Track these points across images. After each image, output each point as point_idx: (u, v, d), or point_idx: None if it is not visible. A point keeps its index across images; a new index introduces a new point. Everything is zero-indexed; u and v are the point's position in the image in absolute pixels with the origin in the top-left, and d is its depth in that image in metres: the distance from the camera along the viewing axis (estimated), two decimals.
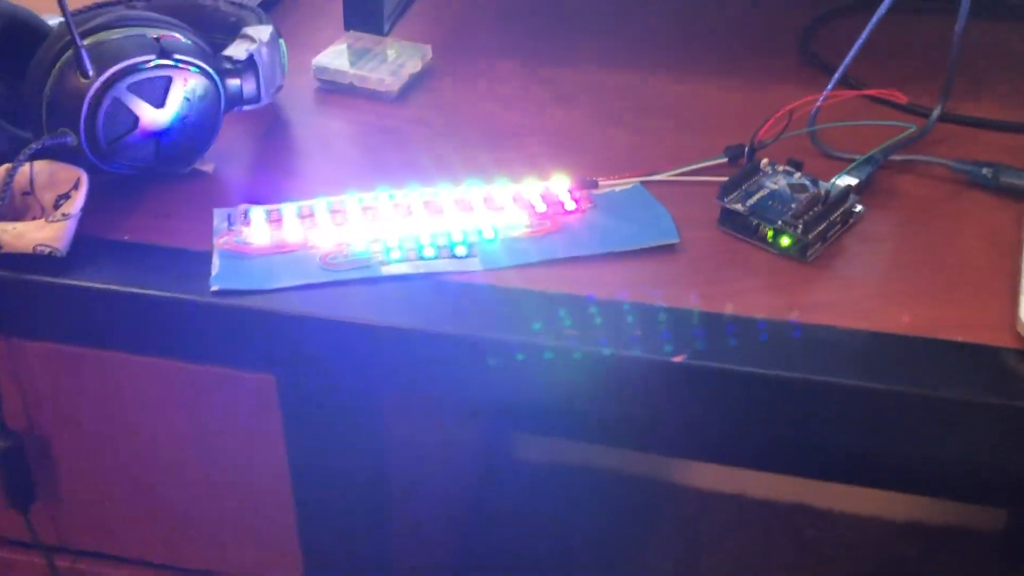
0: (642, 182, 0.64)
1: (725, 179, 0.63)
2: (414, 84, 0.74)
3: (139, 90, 0.58)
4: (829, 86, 0.66)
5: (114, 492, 0.67)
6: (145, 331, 0.57)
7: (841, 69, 0.66)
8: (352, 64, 0.73)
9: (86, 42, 0.57)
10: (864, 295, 0.56)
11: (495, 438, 0.58)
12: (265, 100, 0.65)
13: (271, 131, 0.69)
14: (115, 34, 0.58)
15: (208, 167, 0.64)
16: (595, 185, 0.64)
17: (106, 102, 0.56)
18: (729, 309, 0.53)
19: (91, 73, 0.56)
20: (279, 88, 0.68)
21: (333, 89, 0.73)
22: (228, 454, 0.63)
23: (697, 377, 0.52)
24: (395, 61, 0.74)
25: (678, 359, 0.51)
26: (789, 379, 0.51)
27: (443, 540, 0.68)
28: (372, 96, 0.73)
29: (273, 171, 0.65)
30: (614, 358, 0.52)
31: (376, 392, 0.60)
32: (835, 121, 0.67)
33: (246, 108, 0.65)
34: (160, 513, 0.68)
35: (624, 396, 0.54)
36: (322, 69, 0.73)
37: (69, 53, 0.56)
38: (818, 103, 0.66)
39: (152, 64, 0.58)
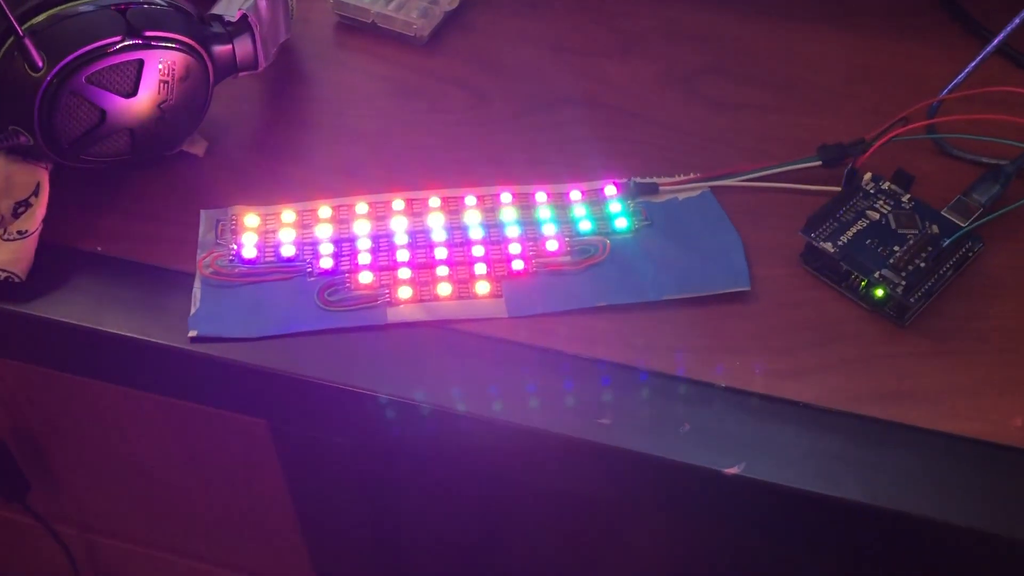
0: (712, 188, 0.53)
1: (818, 189, 0.52)
2: (449, 22, 0.62)
3: (102, 80, 0.47)
4: (964, 73, 0.53)
5: (110, 485, 0.63)
6: (121, 367, 0.50)
7: (993, 45, 0.53)
8: None
9: (33, 22, 0.46)
10: (969, 382, 0.45)
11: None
12: (264, 65, 0.54)
13: (277, 91, 0.58)
14: (69, 9, 0.47)
15: (199, 149, 0.54)
16: (655, 190, 0.53)
17: (62, 98, 0.46)
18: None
19: (40, 65, 0.46)
20: (284, 41, 0.57)
21: (355, 26, 0.61)
22: (224, 475, 0.57)
23: (748, 493, 0.43)
24: None
25: (730, 472, 0.43)
26: (848, 504, 0.42)
27: (455, 553, 0.63)
28: (399, 39, 0.61)
29: (275, 152, 0.55)
30: (654, 462, 0.43)
31: (380, 449, 0.53)
32: (964, 112, 0.54)
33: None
34: (161, 506, 0.64)
35: (658, 501, 0.46)
36: (341, 4, 0.61)
37: (12, 40, 0.46)
38: (940, 96, 0.53)
39: (117, 48, 0.47)
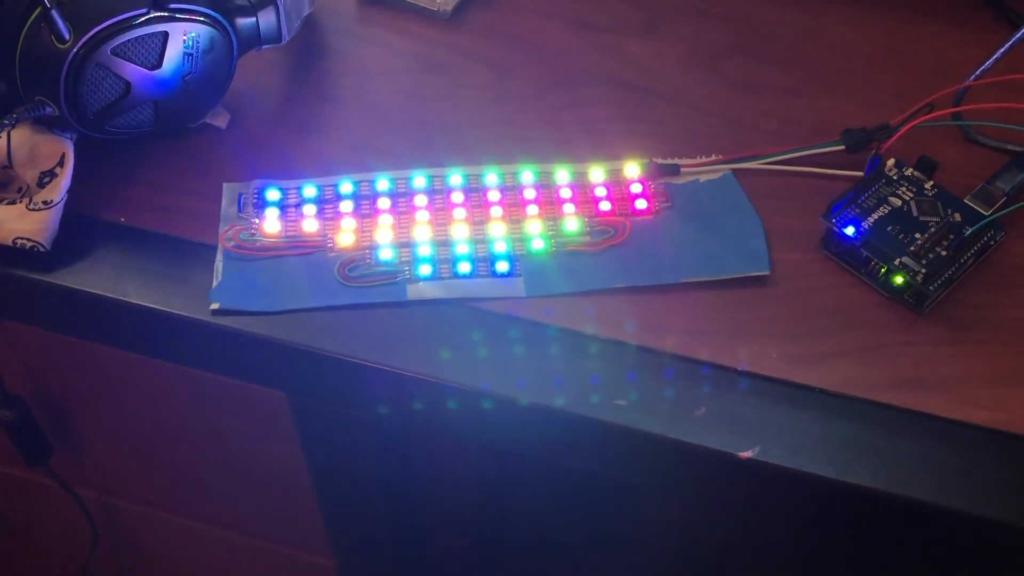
0: (734, 170, 0.53)
1: (840, 173, 0.52)
2: None
3: (127, 52, 0.47)
4: (992, 59, 0.52)
5: (130, 450, 0.64)
6: (143, 337, 0.50)
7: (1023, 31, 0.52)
8: None
9: None
10: (987, 371, 0.45)
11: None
12: (287, 38, 0.54)
13: (300, 64, 0.58)
14: None
15: (221, 121, 0.54)
16: (676, 172, 0.53)
17: (88, 69, 0.47)
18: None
19: (67, 37, 0.46)
20: (308, 14, 0.57)
21: (379, 0, 0.61)
22: (242, 444, 0.58)
23: (761, 477, 0.43)
24: None
25: (744, 455, 0.43)
26: (860, 490, 0.42)
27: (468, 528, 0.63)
28: (422, 14, 0.60)
29: (297, 125, 0.55)
30: (669, 444, 0.44)
31: (398, 423, 0.53)
32: (992, 101, 0.54)
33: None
34: (180, 471, 0.65)
35: (672, 483, 0.46)
36: None
37: (38, 11, 0.46)
38: (968, 82, 0.52)
39: (142, 20, 0.47)
